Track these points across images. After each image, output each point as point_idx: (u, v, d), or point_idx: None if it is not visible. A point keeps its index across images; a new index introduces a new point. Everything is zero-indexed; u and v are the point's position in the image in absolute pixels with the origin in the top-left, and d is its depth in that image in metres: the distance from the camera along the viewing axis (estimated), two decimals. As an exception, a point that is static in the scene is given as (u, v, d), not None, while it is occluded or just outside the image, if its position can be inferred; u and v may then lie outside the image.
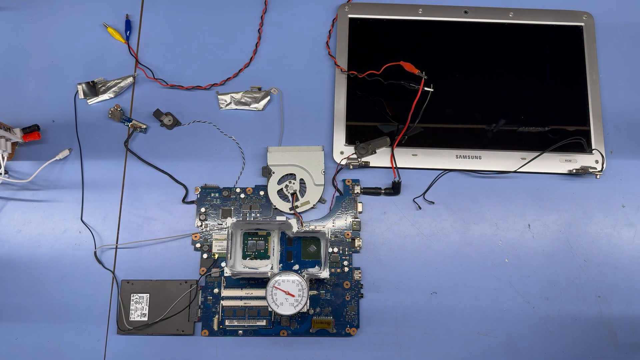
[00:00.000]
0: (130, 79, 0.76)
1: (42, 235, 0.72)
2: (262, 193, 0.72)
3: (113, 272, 0.70)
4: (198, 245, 0.71)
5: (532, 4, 0.79)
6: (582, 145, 0.73)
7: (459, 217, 0.72)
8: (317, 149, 0.73)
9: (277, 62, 0.78)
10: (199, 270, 0.70)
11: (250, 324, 0.68)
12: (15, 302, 0.69)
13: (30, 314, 0.69)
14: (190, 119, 0.76)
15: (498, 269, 0.70)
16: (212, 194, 0.72)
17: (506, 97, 0.75)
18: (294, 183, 0.72)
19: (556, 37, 0.77)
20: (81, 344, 0.68)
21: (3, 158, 0.71)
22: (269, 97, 0.76)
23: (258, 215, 0.72)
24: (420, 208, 0.72)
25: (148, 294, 0.69)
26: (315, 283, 0.69)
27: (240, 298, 0.68)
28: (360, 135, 0.73)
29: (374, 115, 0.74)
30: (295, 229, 0.66)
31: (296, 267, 0.69)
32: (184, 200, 0.72)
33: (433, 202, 0.73)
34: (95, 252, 0.71)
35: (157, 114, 0.75)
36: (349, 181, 0.73)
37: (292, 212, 0.71)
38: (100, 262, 0.70)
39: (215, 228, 0.71)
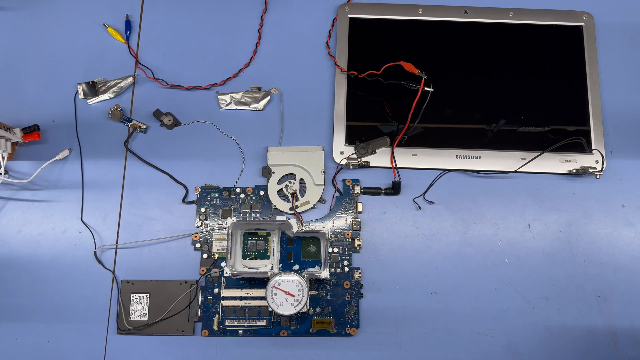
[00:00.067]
0: (130, 79, 0.76)
1: (42, 235, 0.72)
2: (262, 193, 0.72)
3: (113, 272, 0.70)
4: (198, 245, 0.71)
5: (532, 4, 0.79)
6: (582, 145, 0.73)
7: (459, 217, 0.72)
8: (317, 149, 0.73)
9: (277, 62, 0.78)
10: (199, 270, 0.70)
11: (250, 324, 0.68)
12: (15, 302, 0.69)
13: (30, 314, 0.69)
14: (190, 119, 0.76)
15: (498, 269, 0.70)
16: (212, 194, 0.72)
17: (506, 97, 0.75)
18: (294, 183, 0.72)
19: (556, 37, 0.77)
20: (81, 344, 0.68)
21: (3, 158, 0.71)
22: (269, 97, 0.76)
23: (258, 215, 0.72)
24: (420, 208, 0.72)
25: (148, 294, 0.69)
26: (315, 283, 0.69)
27: (240, 298, 0.68)
28: (360, 135, 0.73)
29: (374, 115, 0.74)
30: (295, 229, 0.66)
31: (296, 267, 0.69)
32: (184, 200, 0.72)
33: (433, 202, 0.73)
34: (95, 252, 0.71)
35: (157, 114, 0.75)
36: (349, 181, 0.73)
37: (292, 212, 0.71)
38: (100, 262, 0.70)
39: (215, 228, 0.71)
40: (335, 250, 0.70)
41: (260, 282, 0.69)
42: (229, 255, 0.66)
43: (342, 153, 0.73)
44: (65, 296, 0.69)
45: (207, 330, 0.68)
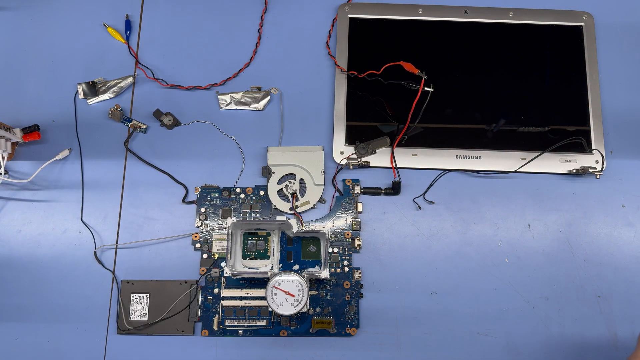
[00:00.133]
0: (130, 79, 0.76)
1: (42, 235, 0.72)
2: (262, 193, 0.72)
3: (113, 272, 0.70)
4: (198, 245, 0.71)
5: (532, 4, 0.79)
6: (582, 145, 0.73)
7: (459, 217, 0.72)
8: (317, 149, 0.73)
9: (277, 62, 0.78)
10: (199, 270, 0.70)
11: (250, 324, 0.68)
12: (15, 302, 0.69)
13: (30, 314, 0.69)
14: (190, 119, 0.76)
15: (498, 269, 0.70)
16: (212, 194, 0.72)
17: (506, 97, 0.75)
18: (294, 183, 0.72)
19: (556, 37, 0.77)
20: (81, 344, 0.68)
21: (3, 158, 0.71)
22: (269, 97, 0.76)
23: (258, 215, 0.72)
24: (420, 208, 0.72)
25: (148, 294, 0.69)
26: (315, 283, 0.69)
27: (240, 298, 0.68)
28: (360, 135, 0.73)
29: (374, 115, 0.74)
30: (295, 229, 0.66)
31: (296, 267, 0.69)
32: (184, 200, 0.72)
33: (433, 202, 0.73)
34: (95, 252, 0.71)
35: (157, 114, 0.75)
36: (349, 181, 0.73)
37: (292, 212, 0.71)
38: (100, 262, 0.70)
39: (215, 228, 0.71)
40: (335, 250, 0.70)
41: (260, 282, 0.69)
42: (229, 255, 0.66)
43: (342, 153, 0.73)
44: (65, 296, 0.69)
45: (207, 330, 0.68)
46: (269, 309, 0.64)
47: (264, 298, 0.65)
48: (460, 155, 0.73)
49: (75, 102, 0.76)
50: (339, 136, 0.73)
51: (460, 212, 0.72)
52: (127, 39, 0.79)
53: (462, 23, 0.78)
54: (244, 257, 0.70)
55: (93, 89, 0.76)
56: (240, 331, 0.68)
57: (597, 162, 0.73)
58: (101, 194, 0.73)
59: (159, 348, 0.68)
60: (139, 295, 0.69)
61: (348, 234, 0.71)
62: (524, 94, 0.75)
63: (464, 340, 0.68)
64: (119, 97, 0.77)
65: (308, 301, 0.63)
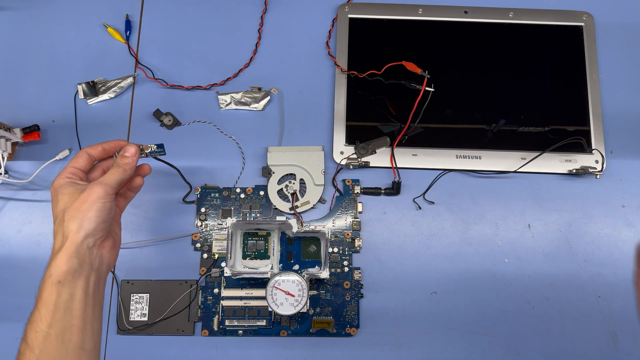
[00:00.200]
0: (130, 79, 0.76)
1: (42, 235, 0.72)
2: (262, 193, 0.72)
3: (113, 272, 0.70)
4: (198, 245, 0.71)
5: (532, 4, 0.79)
6: (582, 145, 0.73)
7: (459, 217, 0.72)
8: (317, 149, 0.73)
9: (277, 62, 0.78)
10: (199, 270, 0.70)
11: (250, 324, 0.68)
12: (15, 302, 0.69)
13: (30, 314, 0.68)
14: (190, 119, 0.76)
15: (498, 269, 0.70)
16: (212, 194, 0.72)
17: (506, 97, 0.75)
18: (294, 183, 0.72)
19: (556, 37, 0.77)
20: (81, 344, 0.68)
21: (3, 158, 0.71)
22: (269, 97, 0.76)
23: (258, 215, 0.72)
24: (420, 208, 0.72)
25: (148, 294, 0.69)
26: (315, 283, 0.69)
27: (240, 298, 0.68)
28: (360, 135, 0.73)
29: (374, 115, 0.74)
30: (295, 229, 0.66)
31: (296, 267, 0.69)
32: (184, 200, 0.72)
33: (433, 202, 0.73)
34: (95, 252, 0.70)
35: (157, 114, 0.75)
36: (349, 181, 0.73)
37: (292, 212, 0.71)
38: (100, 262, 0.70)
39: (215, 228, 0.71)
40: (335, 250, 0.70)
41: (260, 282, 0.69)
42: (229, 255, 0.66)
43: (342, 153, 0.73)
44: (65, 296, 0.69)
45: (207, 330, 0.68)
46: (269, 309, 0.64)
47: (264, 298, 0.65)
48: (460, 155, 0.73)
49: (75, 102, 0.76)
50: (339, 136, 0.73)
51: (460, 212, 0.72)
52: (127, 39, 0.79)
53: (462, 23, 0.78)
54: (244, 257, 0.70)
55: (93, 89, 0.76)
56: (240, 331, 0.68)
57: (597, 162, 0.73)
58: (101, 194, 0.73)
59: (159, 348, 0.68)
60: (139, 295, 0.69)
61: (348, 234, 0.71)
62: (524, 94, 0.75)
63: (464, 340, 0.68)
64: (119, 97, 0.77)
65: (308, 301, 0.63)
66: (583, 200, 0.72)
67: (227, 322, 0.68)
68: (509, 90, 0.76)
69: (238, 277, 0.66)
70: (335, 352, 0.68)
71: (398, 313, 0.69)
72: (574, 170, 0.72)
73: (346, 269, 0.70)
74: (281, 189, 0.72)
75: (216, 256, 0.70)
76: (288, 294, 0.62)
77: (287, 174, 0.73)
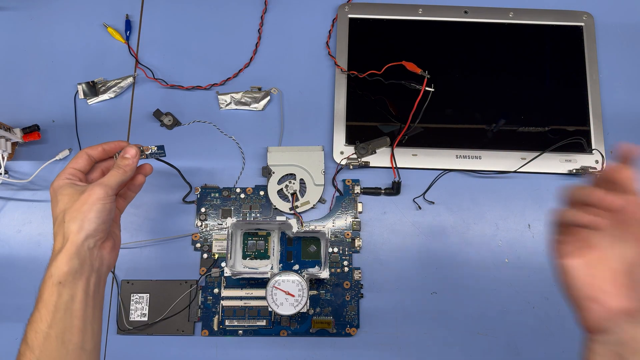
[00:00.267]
0: (130, 79, 0.76)
1: (42, 235, 0.72)
2: (262, 193, 0.72)
3: (113, 272, 0.70)
4: (198, 245, 0.71)
5: (532, 4, 0.79)
6: (582, 145, 0.73)
7: (459, 217, 0.72)
8: (317, 149, 0.73)
9: (277, 62, 0.78)
10: (199, 270, 0.70)
11: (250, 324, 0.68)
12: (15, 302, 0.69)
13: (30, 314, 0.68)
14: (190, 119, 0.76)
15: (498, 269, 0.70)
16: (212, 194, 0.72)
17: (506, 97, 0.75)
18: (294, 183, 0.72)
19: (556, 37, 0.77)
20: (81, 344, 0.68)
21: (3, 158, 0.71)
22: (269, 97, 0.76)
23: (258, 215, 0.72)
24: (420, 208, 0.72)
25: (148, 294, 0.69)
26: (315, 283, 0.69)
27: (240, 298, 0.68)
28: (360, 135, 0.73)
29: (374, 115, 0.74)
30: (295, 229, 0.66)
31: (296, 267, 0.69)
32: (184, 200, 0.72)
33: (433, 202, 0.73)
34: (95, 252, 0.70)
35: (157, 114, 0.75)
36: (349, 181, 0.73)
37: (292, 212, 0.71)
38: (100, 262, 0.70)
39: (215, 228, 0.71)
40: (335, 250, 0.70)
41: (260, 282, 0.69)
42: (229, 255, 0.66)
43: (342, 153, 0.73)
44: (65, 296, 0.69)
45: (207, 330, 0.68)
46: (269, 309, 0.64)
47: (264, 298, 0.65)
48: (460, 155, 0.73)
49: (75, 102, 0.76)
50: (339, 136, 0.73)
51: (460, 212, 0.72)
52: (127, 39, 0.79)
53: (462, 23, 0.78)
54: (244, 257, 0.70)
55: (93, 89, 0.76)
56: (240, 331, 0.68)
57: (597, 162, 0.73)
58: (101, 194, 0.73)
59: (159, 348, 0.68)
60: (139, 295, 0.69)
61: (348, 234, 0.71)
62: (524, 93, 0.75)
63: (464, 340, 0.68)
64: (119, 97, 0.77)
65: (308, 301, 0.63)
66: (583, 200, 0.72)
67: (227, 322, 0.68)
68: (509, 90, 0.76)
69: (238, 277, 0.66)
70: (335, 352, 0.68)
71: (398, 313, 0.69)
72: (574, 170, 0.72)
73: (346, 269, 0.70)
74: (281, 189, 0.72)
75: (216, 256, 0.70)
76: (288, 294, 0.62)
77: (287, 174, 0.73)
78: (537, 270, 0.70)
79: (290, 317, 0.68)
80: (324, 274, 0.64)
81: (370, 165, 0.73)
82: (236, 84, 0.77)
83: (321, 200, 0.72)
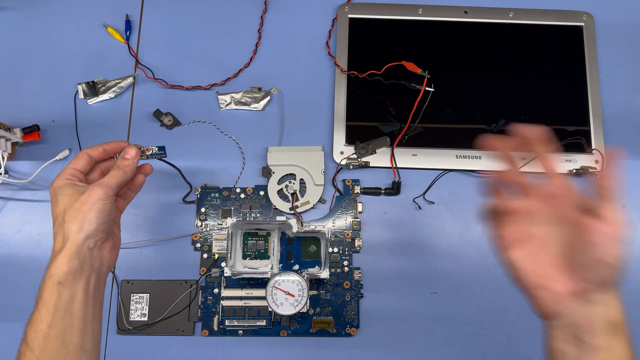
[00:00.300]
0: (130, 79, 0.76)
1: (42, 235, 0.72)
2: (262, 193, 0.72)
3: (113, 272, 0.70)
4: (198, 245, 0.71)
5: (532, 4, 0.79)
6: (582, 145, 0.73)
7: (459, 217, 0.72)
8: (317, 149, 0.73)
9: (277, 62, 0.78)
10: (199, 270, 0.70)
11: (250, 324, 0.68)
12: (15, 302, 0.69)
13: (30, 314, 0.68)
14: (190, 119, 0.76)
15: (498, 269, 0.70)
16: (212, 194, 0.72)
17: (506, 97, 0.75)
18: (294, 183, 0.72)
19: (556, 37, 0.77)
20: (81, 344, 0.68)
21: (3, 158, 0.71)
22: (269, 97, 0.76)
23: (258, 215, 0.72)
24: (420, 208, 0.72)
25: (148, 294, 0.69)
26: (315, 283, 0.69)
27: (240, 298, 0.68)
28: (360, 135, 0.73)
29: (374, 115, 0.74)
30: (295, 229, 0.66)
31: (296, 267, 0.69)
32: (184, 200, 0.72)
33: (433, 202, 0.72)
34: (95, 252, 0.70)
35: (157, 114, 0.75)
36: (349, 181, 0.73)
37: (292, 212, 0.71)
38: (100, 262, 0.70)
39: (215, 228, 0.71)
40: (335, 250, 0.70)
41: (260, 282, 0.69)
42: (229, 255, 0.66)
43: (342, 153, 0.73)
44: (65, 296, 0.69)
45: (207, 330, 0.68)
46: (269, 309, 0.64)
47: (264, 298, 0.65)
48: (460, 155, 0.73)
49: (75, 102, 0.76)
50: (339, 136, 0.73)
51: (460, 212, 0.72)
52: (127, 39, 0.79)
53: (462, 23, 0.78)
54: (244, 257, 0.70)
55: (93, 89, 0.76)
56: (240, 331, 0.68)
57: (597, 162, 0.72)
58: (101, 194, 0.73)
59: (159, 348, 0.68)
60: (139, 295, 0.69)
61: (348, 234, 0.71)
62: (524, 93, 0.75)
63: (464, 340, 0.68)
64: (119, 97, 0.77)
65: (308, 301, 0.63)
66: (583, 200, 0.72)
67: (227, 322, 0.68)
68: (509, 90, 0.76)
69: (238, 277, 0.66)
70: (335, 352, 0.68)
71: (398, 313, 0.69)
72: (574, 170, 0.72)
73: (346, 269, 0.70)
74: (281, 189, 0.72)
75: (216, 256, 0.70)
76: (288, 294, 0.62)
77: (287, 174, 0.73)
78: (537, 270, 0.70)
79: (290, 317, 0.68)
80: (324, 274, 0.64)
81: (370, 165, 0.73)
82: (236, 84, 0.77)
83: (321, 200, 0.72)
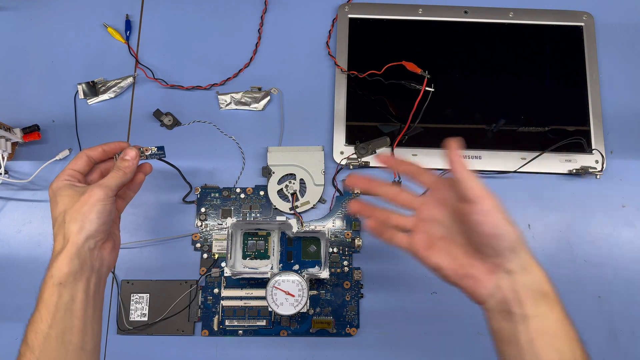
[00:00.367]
0: (130, 79, 0.76)
1: (42, 235, 0.72)
2: (262, 193, 0.72)
3: (113, 272, 0.70)
4: (198, 245, 0.71)
5: (532, 4, 0.79)
6: (582, 145, 0.73)
7: (459, 217, 0.72)
8: (317, 149, 0.73)
9: (277, 62, 0.78)
10: (199, 270, 0.70)
11: (250, 324, 0.68)
12: (15, 302, 0.69)
13: (30, 314, 0.68)
14: (190, 119, 0.76)
15: (498, 269, 0.70)
16: (212, 194, 0.72)
17: (506, 97, 0.75)
18: (294, 183, 0.72)
19: (556, 37, 0.77)
20: (81, 344, 0.68)
21: (3, 158, 0.71)
22: (269, 97, 0.76)
23: (258, 215, 0.72)
24: (420, 208, 0.72)
25: (148, 294, 0.69)
26: (315, 283, 0.69)
27: (240, 298, 0.68)
28: (360, 135, 0.73)
29: (374, 115, 0.74)
30: (295, 229, 0.66)
31: (296, 267, 0.69)
32: (184, 200, 0.72)
33: (433, 202, 0.72)
34: (95, 252, 0.70)
35: (157, 114, 0.75)
36: (349, 181, 0.73)
37: (292, 212, 0.71)
38: (100, 262, 0.70)
39: (215, 228, 0.71)
40: (335, 250, 0.70)
41: (260, 282, 0.69)
42: (229, 255, 0.66)
43: (342, 153, 0.73)
44: (65, 296, 0.69)
45: (207, 330, 0.68)
46: (269, 309, 0.64)
47: (264, 298, 0.65)
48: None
49: (75, 102, 0.76)
50: (339, 136, 0.73)
51: (460, 212, 0.72)
52: (127, 39, 0.79)
53: (462, 23, 0.78)
54: (244, 257, 0.70)
55: (93, 89, 0.76)
56: (240, 331, 0.68)
57: (597, 162, 0.72)
58: (101, 194, 0.73)
59: (159, 348, 0.68)
60: (139, 295, 0.69)
61: (348, 234, 0.71)
62: (524, 93, 0.75)
63: (464, 340, 0.68)
64: (119, 97, 0.77)
65: (308, 301, 0.63)
66: (583, 200, 0.72)
67: (227, 322, 0.68)
68: (509, 90, 0.76)
69: (238, 277, 0.66)
70: (335, 352, 0.68)
71: (398, 313, 0.69)
72: (574, 170, 0.72)
73: (346, 269, 0.70)
74: (281, 189, 0.72)
75: (216, 256, 0.70)
76: (288, 294, 0.62)
77: (287, 174, 0.73)
78: (537, 270, 0.70)
79: (290, 317, 0.68)
80: (324, 274, 0.64)
81: (370, 165, 0.73)
82: (236, 84, 0.77)
83: (321, 200, 0.72)
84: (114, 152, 0.57)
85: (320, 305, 0.68)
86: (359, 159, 0.72)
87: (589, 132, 0.74)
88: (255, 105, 0.76)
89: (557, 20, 0.78)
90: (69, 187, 0.52)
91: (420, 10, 0.78)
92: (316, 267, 0.69)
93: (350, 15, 0.78)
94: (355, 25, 0.78)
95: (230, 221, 0.66)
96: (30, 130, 0.73)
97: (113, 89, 0.76)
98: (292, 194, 0.72)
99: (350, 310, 0.68)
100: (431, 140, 0.73)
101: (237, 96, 0.75)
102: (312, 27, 0.79)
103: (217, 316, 0.68)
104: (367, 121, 0.74)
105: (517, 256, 0.45)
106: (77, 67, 0.78)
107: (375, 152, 0.73)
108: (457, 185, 0.45)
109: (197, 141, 0.75)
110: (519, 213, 0.72)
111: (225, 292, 0.69)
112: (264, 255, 0.70)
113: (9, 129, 0.71)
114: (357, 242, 0.71)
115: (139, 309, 0.68)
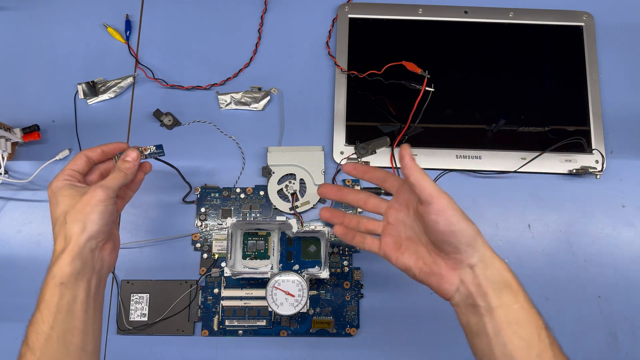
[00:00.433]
0: (130, 79, 0.76)
1: (42, 235, 0.72)
2: (262, 193, 0.72)
3: (113, 272, 0.70)
4: (198, 245, 0.71)
5: (532, 4, 0.79)
6: (582, 145, 0.73)
7: (459, 217, 0.72)
8: (317, 149, 0.73)
9: (277, 62, 0.78)
10: (199, 270, 0.70)
11: (250, 324, 0.68)
12: (15, 302, 0.69)
13: (30, 314, 0.68)
14: (190, 119, 0.76)
15: (498, 269, 0.70)
16: (212, 194, 0.72)
17: (506, 97, 0.75)
18: (294, 183, 0.72)
19: (556, 37, 0.77)
20: (81, 344, 0.68)
21: (3, 158, 0.71)
22: (269, 97, 0.76)
23: (258, 215, 0.72)
24: (420, 208, 0.72)
25: (148, 294, 0.69)
26: (315, 283, 0.69)
27: (240, 298, 0.68)
28: (360, 135, 0.73)
29: (374, 115, 0.74)
30: (295, 229, 0.66)
31: (296, 267, 0.69)
32: (184, 200, 0.72)
33: (433, 202, 0.72)
34: (95, 252, 0.70)
35: (157, 114, 0.75)
36: (349, 181, 0.73)
37: (292, 212, 0.71)
38: (100, 262, 0.70)
39: (215, 228, 0.71)
40: (335, 250, 0.70)
41: (260, 282, 0.69)
42: (229, 255, 0.66)
43: (342, 153, 0.73)
44: (65, 296, 0.69)
45: (207, 330, 0.68)
46: (269, 309, 0.64)
47: (264, 298, 0.65)
48: (460, 155, 0.73)
49: (75, 102, 0.76)
50: (339, 136, 0.73)
51: (460, 212, 0.72)
52: (127, 39, 0.79)
53: (462, 23, 0.78)
54: (244, 257, 0.70)
55: (93, 89, 0.76)
56: (240, 331, 0.68)
57: (597, 162, 0.73)
58: (101, 194, 0.73)
59: (159, 348, 0.68)
60: (139, 295, 0.69)
61: (348, 234, 0.71)
62: (524, 93, 0.75)
63: (464, 341, 0.68)
64: (119, 97, 0.77)
65: (308, 301, 0.63)
66: (583, 200, 0.72)
67: (227, 322, 0.68)
68: (509, 90, 0.76)
69: (238, 277, 0.66)
70: (335, 352, 0.68)
71: (398, 313, 0.69)
72: (574, 170, 0.72)
73: (346, 269, 0.70)
74: (281, 189, 0.72)
75: (216, 256, 0.70)
76: (288, 294, 0.62)
77: (287, 174, 0.73)
78: (537, 270, 0.70)
79: (290, 317, 0.68)
80: (324, 274, 0.64)
81: (370, 165, 0.73)
82: (236, 84, 0.77)
83: (321, 200, 0.72)
84: (113, 153, 0.57)
85: (320, 305, 0.68)
86: (359, 159, 0.72)
87: (589, 132, 0.74)
88: (255, 105, 0.76)
89: (557, 20, 0.78)
90: (69, 187, 0.52)
91: (420, 10, 0.78)
92: (316, 267, 0.69)
93: (350, 15, 0.78)
94: (355, 25, 0.78)
95: (230, 221, 0.66)
96: (30, 130, 0.73)
97: (113, 89, 0.76)
98: (292, 194, 0.72)
99: (350, 310, 0.68)
100: (431, 140, 0.73)
101: (237, 96, 0.75)
102: (312, 27, 0.79)
103: (217, 316, 0.68)
104: (367, 121, 0.74)
105: (476, 251, 0.46)
106: (77, 67, 0.78)
107: (375, 152, 0.73)
108: (412, 187, 0.46)
109: (197, 141, 0.75)
110: (519, 213, 0.72)
111: (225, 292, 0.69)
112: (264, 255, 0.70)
113: (9, 129, 0.71)
114: (357, 242, 0.70)
115: (139, 309, 0.68)
